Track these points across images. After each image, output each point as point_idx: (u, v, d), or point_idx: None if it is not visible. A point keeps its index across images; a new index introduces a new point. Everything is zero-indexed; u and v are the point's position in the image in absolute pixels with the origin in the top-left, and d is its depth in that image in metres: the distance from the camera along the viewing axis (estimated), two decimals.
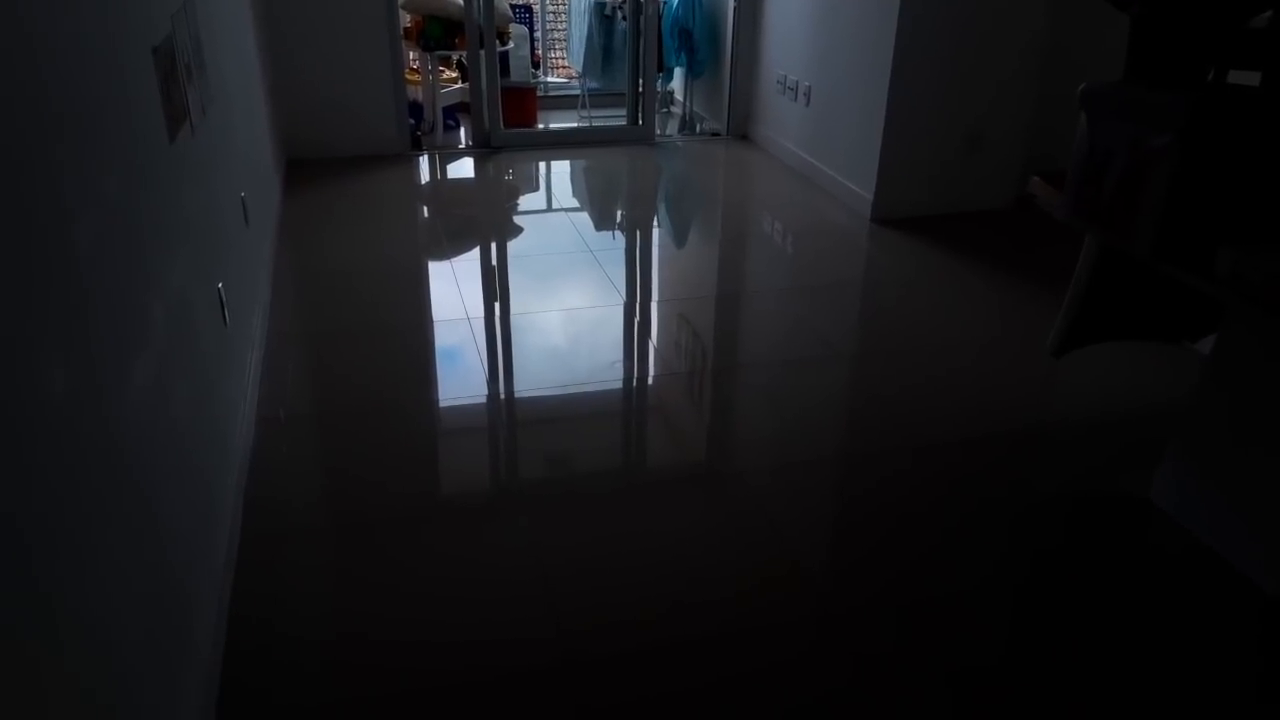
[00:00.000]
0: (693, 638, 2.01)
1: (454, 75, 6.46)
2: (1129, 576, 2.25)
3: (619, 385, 3.17)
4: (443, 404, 3.01)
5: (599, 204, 5.25)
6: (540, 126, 6.43)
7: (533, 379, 3.16)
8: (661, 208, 5.16)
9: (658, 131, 6.12)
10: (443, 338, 3.41)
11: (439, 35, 5.81)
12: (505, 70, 6.13)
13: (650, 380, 3.22)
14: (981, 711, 1.86)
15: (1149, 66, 2.12)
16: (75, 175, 1.42)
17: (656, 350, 3.39)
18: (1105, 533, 2.39)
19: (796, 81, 5.25)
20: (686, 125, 6.52)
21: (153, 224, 1.87)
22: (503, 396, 3.05)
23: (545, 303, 3.71)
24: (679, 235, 4.73)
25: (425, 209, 5.03)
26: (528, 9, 7.12)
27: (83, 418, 1.31)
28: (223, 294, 2.49)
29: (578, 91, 7.00)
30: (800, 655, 1.98)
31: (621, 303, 3.73)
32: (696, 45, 6.19)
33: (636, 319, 3.63)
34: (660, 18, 6.07)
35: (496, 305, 3.73)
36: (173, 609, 1.65)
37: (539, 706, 1.84)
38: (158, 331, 1.78)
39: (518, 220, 4.85)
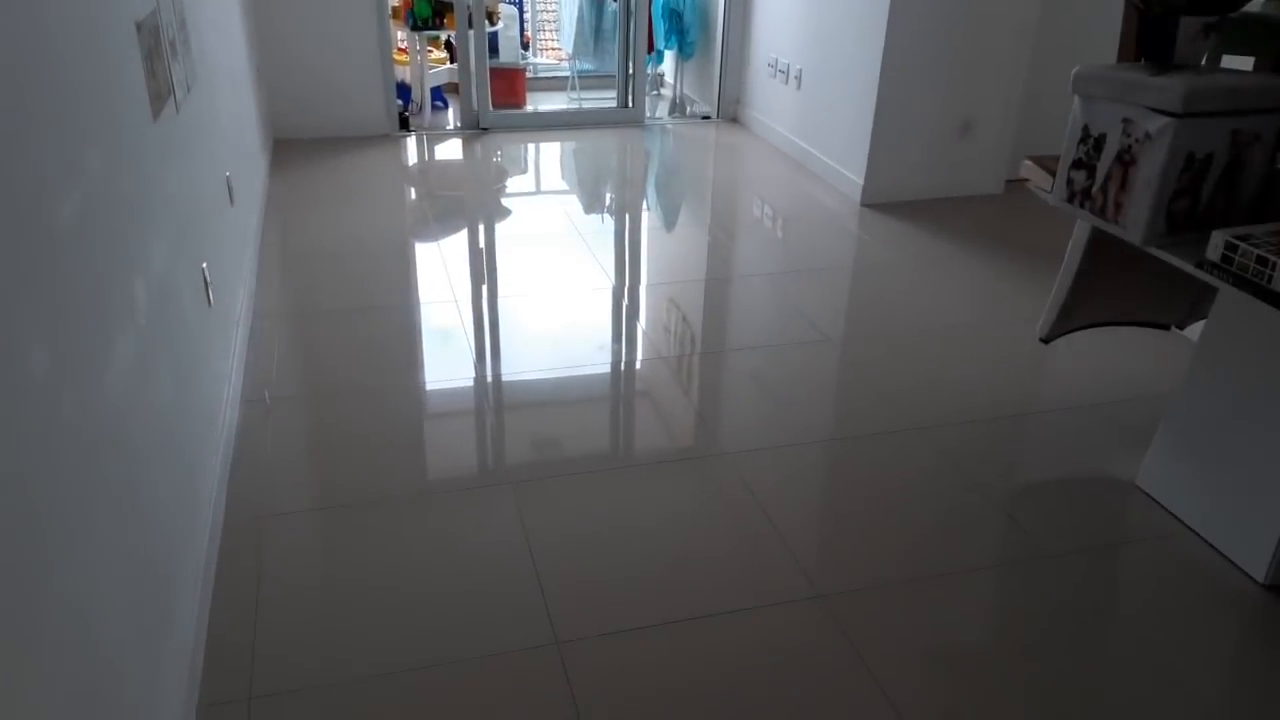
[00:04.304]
0: (681, 618, 2.01)
1: (443, 55, 6.41)
2: (1115, 561, 2.26)
3: (608, 369, 3.15)
4: (429, 386, 2.99)
5: (588, 186, 5.22)
6: (529, 108, 6.38)
7: (520, 362, 3.15)
8: (651, 191, 5.13)
9: (647, 114, 6.08)
10: (430, 319, 3.39)
11: (427, 15, 5.76)
12: (494, 51, 6.08)
13: (639, 364, 3.20)
14: (968, 693, 1.87)
15: (1143, 50, 2.11)
16: (57, 153, 1.40)
17: (645, 334, 3.37)
18: (1092, 517, 2.40)
19: (788, 64, 5.22)
20: (676, 108, 6.49)
21: (135, 203, 1.84)
22: (490, 379, 3.03)
23: (533, 285, 3.68)
24: (668, 218, 4.71)
25: (413, 190, 4.99)
26: None
27: (64, 398, 1.29)
28: (207, 274, 2.46)
29: (567, 73, 6.95)
30: (789, 636, 1.98)
31: (610, 286, 3.71)
32: (687, 27, 6.15)
33: (625, 303, 3.61)
34: None
35: (484, 287, 3.70)
36: (156, 589, 1.63)
37: (527, 687, 1.84)
38: (140, 311, 1.75)
39: (506, 202, 4.82)
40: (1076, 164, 2.14)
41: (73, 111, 1.50)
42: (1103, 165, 2.07)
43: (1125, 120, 1.99)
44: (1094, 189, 2.11)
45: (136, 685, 1.45)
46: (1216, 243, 1.86)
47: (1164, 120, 1.91)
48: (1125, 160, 2.01)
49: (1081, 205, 2.16)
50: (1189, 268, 1.95)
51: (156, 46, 2.19)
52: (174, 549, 1.79)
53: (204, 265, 2.45)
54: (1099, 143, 2.07)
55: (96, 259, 1.53)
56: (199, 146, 2.68)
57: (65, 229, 1.39)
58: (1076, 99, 2.12)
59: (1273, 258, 1.75)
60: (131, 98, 1.93)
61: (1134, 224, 2.02)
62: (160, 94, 2.18)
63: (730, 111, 6.04)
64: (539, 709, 1.80)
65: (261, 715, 1.77)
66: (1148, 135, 1.94)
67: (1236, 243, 1.82)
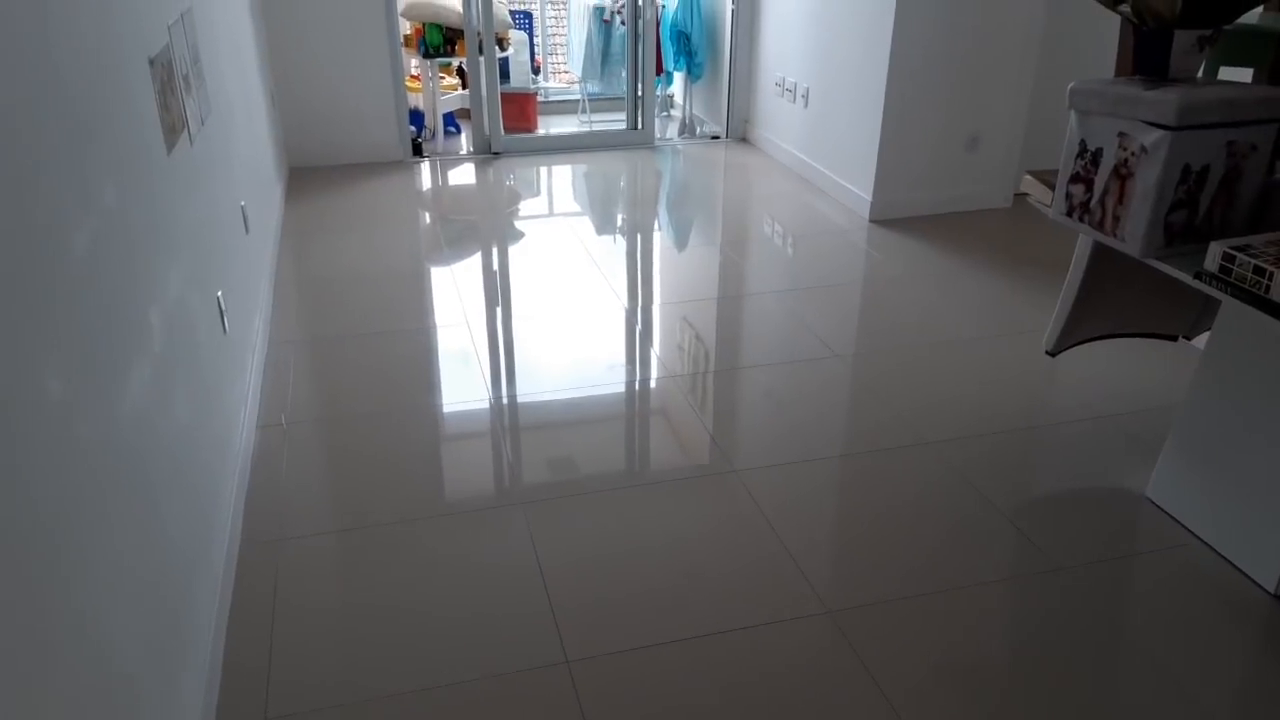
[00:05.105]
0: (691, 636, 2.02)
1: (454, 82, 6.49)
2: (1125, 573, 2.26)
3: (621, 388, 3.18)
4: (444, 409, 3.02)
5: (600, 208, 5.27)
6: (540, 132, 6.45)
7: (534, 383, 3.18)
8: (662, 211, 5.17)
9: (657, 135, 6.13)
10: (444, 343, 3.43)
11: (439, 42, 5.84)
12: (505, 76, 6.16)
13: (652, 383, 3.23)
14: (978, 708, 1.87)
15: (1138, 64, 2.13)
16: (72, 187, 1.44)
17: (657, 353, 3.40)
18: (1102, 529, 2.40)
19: (795, 83, 5.26)
20: (686, 128, 6.54)
21: (150, 234, 1.89)
22: (504, 401, 3.06)
23: (546, 308, 3.72)
24: (679, 238, 4.74)
25: (426, 215, 5.05)
26: (528, 15, 7.14)
27: (81, 425, 1.33)
28: (222, 302, 2.51)
29: (578, 96, 7.02)
30: (802, 652, 1.99)
31: (623, 306, 3.74)
32: (695, 49, 6.21)
33: (638, 323, 3.64)
34: (658, 22, 6.09)
35: (498, 310, 3.74)
36: (172, 612, 1.67)
37: (538, 705, 1.85)
38: (156, 340, 1.79)
39: (519, 225, 4.87)
40: (1074, 178, 2.16)
41: (87, 147, 1.55)
42: (1100, 179, 2.09)
43: (1121, 134, 2.01)
44: (1092, 203, 2.13)
45: (152, 707, 1.48)
46: (1214, 254, 1.87)
47: (1159, 133, 1.92)
48: (1122, 174, 2.03)
49: (1081, 219, 2.18)
50: (1188, 279, 1.96)
51: (170, 81, 2.25)
52: (190, 572, 1.82)
53: (219, 293, 2.50)
54: (1096, 157, 2.09)
55: (112, 289, 1.57)
56: (213, 177, 2.73)
57: (80, 260, 1.43)
58: (1073, 114, 2.14)
59: (1270, 268, 1.76)
60: (145, 133, 1.98)
61: (1132, 236, 2.03)
62: (174, 128, 2.23)
63: (739, 131, 6.09)
64: None
65: None
66: (1143, 149, 1.96)
67: (1234, 253, 1.83)
